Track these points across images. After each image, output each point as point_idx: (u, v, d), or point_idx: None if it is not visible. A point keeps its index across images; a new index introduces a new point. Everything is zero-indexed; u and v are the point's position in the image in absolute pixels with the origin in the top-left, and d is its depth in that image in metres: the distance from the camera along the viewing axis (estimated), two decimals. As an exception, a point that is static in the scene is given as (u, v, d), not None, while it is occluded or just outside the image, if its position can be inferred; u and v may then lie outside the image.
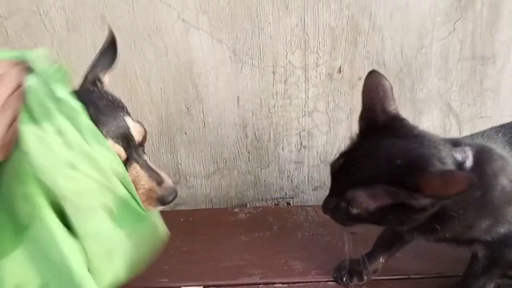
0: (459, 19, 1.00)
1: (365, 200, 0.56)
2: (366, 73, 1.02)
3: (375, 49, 1.01)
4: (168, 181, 0.58)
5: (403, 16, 0.98)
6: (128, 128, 0.57)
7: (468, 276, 0.71)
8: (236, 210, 1.03)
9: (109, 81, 0.95)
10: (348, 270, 0.80)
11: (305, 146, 1.12)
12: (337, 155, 0.64)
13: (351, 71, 1.03)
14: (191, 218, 1.00)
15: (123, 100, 1.04)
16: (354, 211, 0.58)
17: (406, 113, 0.68)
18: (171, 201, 0.58)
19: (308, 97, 1.06)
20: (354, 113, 1.08)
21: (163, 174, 0.59)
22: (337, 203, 0.61)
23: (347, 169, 0.60)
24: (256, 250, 0.90)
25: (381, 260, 0.79)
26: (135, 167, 0.56)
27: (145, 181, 0.56)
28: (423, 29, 1.00)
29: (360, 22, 0.98)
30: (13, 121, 0.46)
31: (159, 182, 0.57)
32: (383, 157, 0.56)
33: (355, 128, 1.08)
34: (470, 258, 0.70)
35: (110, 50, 0.63)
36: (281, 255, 0.88)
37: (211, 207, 1.15)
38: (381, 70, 1.03)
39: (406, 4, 0.97)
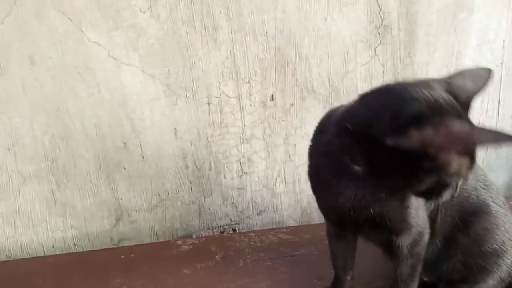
0: (379, 44, 1.07)
1: None
2: (297, 100, 1.08)
3: (303, 76, 1.06)
4: None
5: (326, 45, 1.04)
6: None
7: (396, 283, 0.74)
8: (179, 242, 1.04)
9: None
10: None
11: (246, 172, 1.14)
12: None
13: (283, 99, 1.07)
14: (132, 255, 0.99)
15: (57, 140, 1.04)
16: None
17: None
18: None
19: (244, 125, 1.09)
20: (289, 138, 1.11)
21: None
22: None
23: None
24: (197, 282, 0.90)
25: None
26: None
27: None
28: (347, 55, 1.06)
29: (287, 52, 1.03)
30: None
31: None
32: None
33: (292, 152, 1.13)
34: (394, 265, 0.73)
35: None
36: (222, 284, 0.89)
37: (156, 240, 1.15)
38: (311, 96, 1.09)
39: (328, 33, 1.03)
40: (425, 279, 0.78)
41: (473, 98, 0.59)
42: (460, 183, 0.59)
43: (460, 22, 1.08)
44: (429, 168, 0.54)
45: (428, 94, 0.54)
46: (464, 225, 0.74)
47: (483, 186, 0.76)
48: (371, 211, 0.65)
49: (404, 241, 0.70)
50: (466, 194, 0.74)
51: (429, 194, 0.59)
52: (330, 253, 0.81)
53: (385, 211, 0.66)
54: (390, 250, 0.72)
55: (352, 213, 0.66)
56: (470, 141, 0.52)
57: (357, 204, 0.65)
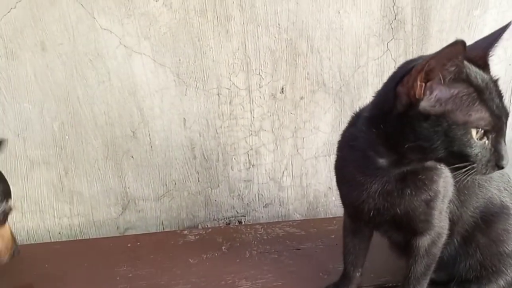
0: (392, 39, 1.06)
1: None
2: (307, 93, 1.08)
3: (314, 69, 1.05)
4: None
5: (338, 38, 1.03)
6: None
7: (409, 281, 0.73)
8: (185, 232, 1.04)
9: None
10: None
11: (253, 165, 1.14)
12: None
13: (293, 91, 1.07)
14: (138, 243, 0.99)
15: (66, 126, 1.04)
16: None
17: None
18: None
19: (253, 117, 1.09)
20: (298, 131, 1.11)
21: None
22: None
23: None
24: (203, 272, 0.90)
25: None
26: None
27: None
28: (359, 49, 1.05)
29: (299, 45, 1.02)
30: None
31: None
32: None
33: (300, 145, 1.13)
34: (408, 263, 0.73)
35: None
36: (228, 275, 0.89)
37: (162, 230, 1.15)
38: (321, 90, 1.09)
39: (340, 27, 1.02)
40: (433, 276, 0.78)
41: (487, 52, 0.60)
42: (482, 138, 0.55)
43: (474, 19, 1.07)
44: (428, 119, 0.54)
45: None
46: (486, 225, 0.74)
47: (507, 188, 0.77)
48: (397, 210, 0.65)
49: (423, 242, 0.70)
50: (490, 195, 0.74)
51: (455, 161, 0.56)
52: (343, 247, 0.81)
53: (410, 211, 0.66)
54: (407, 248, 0.72)
55: (374, 211, 0.66)
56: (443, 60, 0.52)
57: (381, 202, 0.65)
